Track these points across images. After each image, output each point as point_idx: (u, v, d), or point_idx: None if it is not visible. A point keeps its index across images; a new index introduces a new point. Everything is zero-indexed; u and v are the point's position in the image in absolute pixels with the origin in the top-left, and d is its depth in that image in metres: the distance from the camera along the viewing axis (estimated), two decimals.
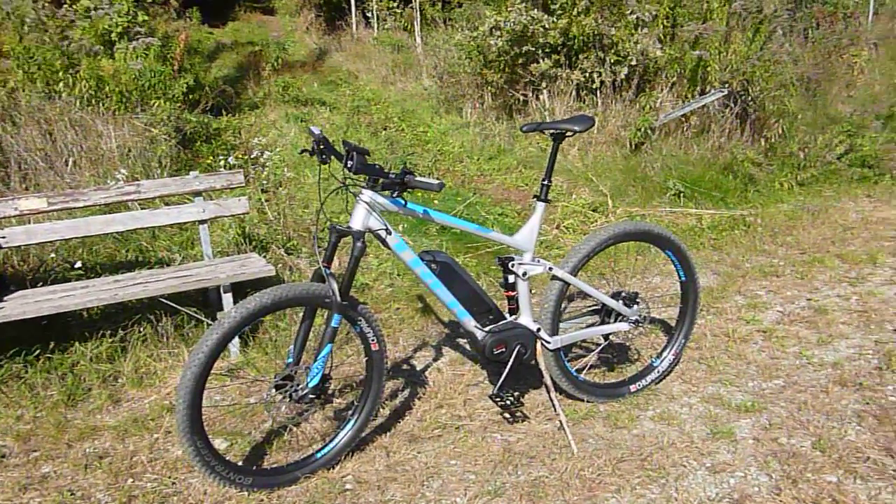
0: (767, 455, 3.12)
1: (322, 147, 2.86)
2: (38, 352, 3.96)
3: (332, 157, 2.88)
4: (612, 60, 8.32)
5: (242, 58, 12.32)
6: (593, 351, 3.84)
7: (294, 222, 5.90)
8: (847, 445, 3.15)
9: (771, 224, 6.53)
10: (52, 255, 4.80)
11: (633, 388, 3.67)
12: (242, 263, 4.39)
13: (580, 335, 3.59)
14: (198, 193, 4.52)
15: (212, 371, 2.73)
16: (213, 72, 10.98)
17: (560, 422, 3.34)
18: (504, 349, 3.29)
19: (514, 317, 3.39)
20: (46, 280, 4.50)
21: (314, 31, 15.58)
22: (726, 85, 8.26)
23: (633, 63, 8.23)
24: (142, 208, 4.98)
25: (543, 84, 8.70)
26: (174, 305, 4.19)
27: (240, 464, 3.13)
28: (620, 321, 3.61)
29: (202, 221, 4.54)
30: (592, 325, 3.64)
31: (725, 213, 6.77)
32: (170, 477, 3.10)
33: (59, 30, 7.27)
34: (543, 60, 8.53)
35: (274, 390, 2.96)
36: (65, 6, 7.69)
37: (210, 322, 4.27)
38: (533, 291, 3.57)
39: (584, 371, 3.70)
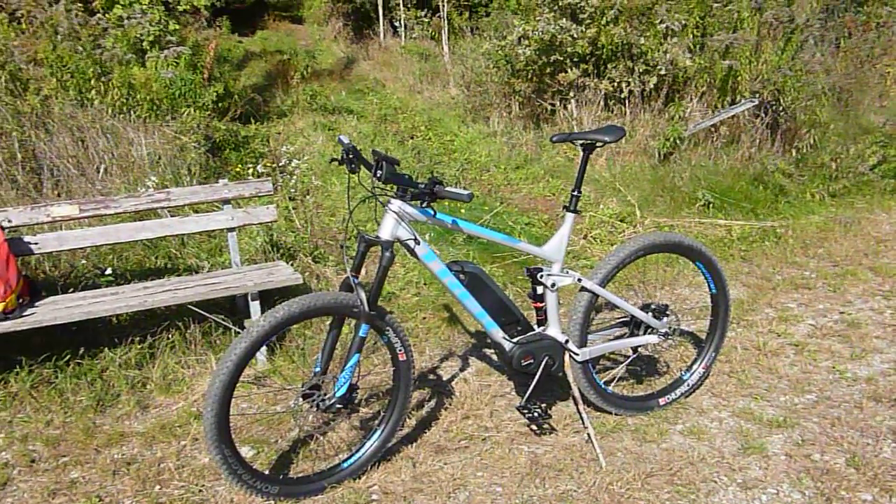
0: (800, 472, 3.07)
1: (351, 156, 2.87)
2: (67, 357, 3.99)
3: (361, 167, 2.88)
4: (640, 70, 8.27)
5: (271, 66, 12.41)
6: (622, 363, 3.80)
7: (321, 230, 5.92)
8: (882, 463, 3.09)
9: (802, 236, 6.44)
10: (83, 261, 4.85)
11: (661, 401, 3.63)
12: (270, 271, 4.41)
13: (609, 347, 3.56)
14: (226, 201, 4.55)
15: (239, 379, 2.73)
16: (242, 80, 11.07)
17: (588, 434, 3.31)
18: (532, 361, 3.26)
19: (542, 328, 3.37)
20: (77, 286, 4.55)
21: (342, 39, 15.67)
22: (757, 95, 8.17)
23: (663, 72, 8.17)
24: (171, 216, 5.02)
25: (571, 93, 8.67)
26: (202, 312, 4.21)
27: (266, 472, 3.12)
28: (650, 333, 3.57)
29: (231, 229, 4.57)
30: (621, 336, 3.61)
31: (755, 225, 6.68)
32: (196, 484, 3.11)
33: (92, 38, 7.36)
34: (572, 70, 8.51)
35: (301, 399, 2.96)
36: (97, 15, 7.80)
37: (238, 329, 4.28)
38: (561, 302, 3.54)
39: (613, 383, 3.66)
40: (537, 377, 3.29)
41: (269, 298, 4.38)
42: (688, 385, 3.71)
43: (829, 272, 5.56)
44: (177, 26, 8.33)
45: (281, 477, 3.10)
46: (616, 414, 3.54)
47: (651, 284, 5.20)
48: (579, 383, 3.39)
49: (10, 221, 4.03)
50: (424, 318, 4.83)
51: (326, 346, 2.96)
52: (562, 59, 8.56)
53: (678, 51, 8.14)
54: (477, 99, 10.26)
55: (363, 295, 2.86)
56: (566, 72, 8.53)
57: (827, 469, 3.07)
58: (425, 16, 14.71)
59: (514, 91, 9.36)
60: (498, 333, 3.24)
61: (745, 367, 4.05)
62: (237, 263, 4.62)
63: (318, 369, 2.96)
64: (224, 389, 2.68)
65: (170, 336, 4.24)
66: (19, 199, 5.36)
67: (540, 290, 3.32)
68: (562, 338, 3.32)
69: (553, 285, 3.29)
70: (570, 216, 3.32)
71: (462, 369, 4.16)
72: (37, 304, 4.00)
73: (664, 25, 8.20)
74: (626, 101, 8.44)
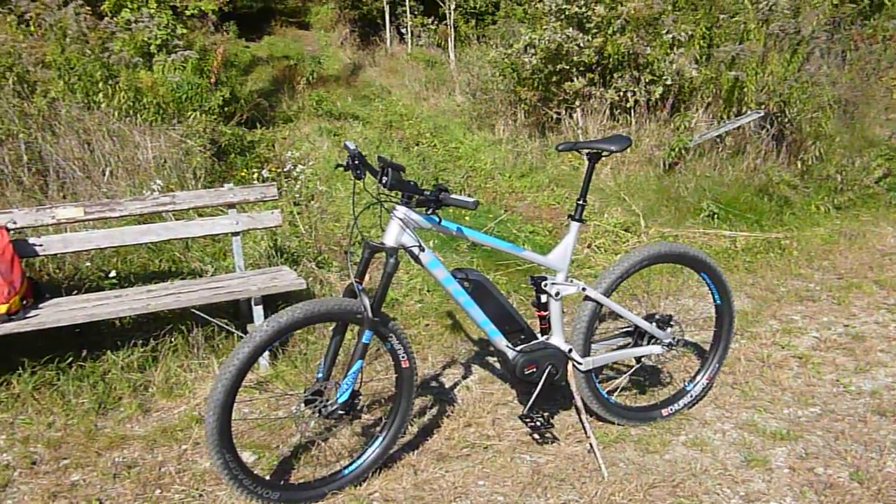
0: (803, 485, 3.05)
1: (357, 162, 2.86)
2: (70, 359, 3.99)
3: (367, 173, 2.88)
4: (646, 80, 8.27)
5: (277, 71, 12.44)
6: (625, 373, 3.79)
7: (325, 236, 5.92)
8: (886, 477, 3.07)
9: (807, 248, 6.43)
10: (87, 263, 4.85)
11: (664, 412, 3.62)
12: (274, 276, 4.40)
13: (612, 357, 3.55)
14: (231, 205, 4.55)
15: (242, 384, 2.73)
16: (248, 85, 11.09)
17: (590, 444, 3.29)
18: (535, 369, 3.26)
19: (545, 337, 3.36)
20: (81, 288, 4.55)
21: (348, 46, 15.70)
22: (763, 106, 8.16)
23: (668, 83, 8.18)
24: (176, 219, 5.02)
25: (577, 102, 8.67)
26: (205, 316, 4.21)
27: (267, 478, 3.12)
28: (653, 344, 3.56)
29: (235, 233, 4.57)
30: (625, 346, 3.59)
31: (760, 236, 6.67)
32: (197, 489, 3.10)
33: (100, 42, 7.38)
34: (578, 79, 8.51)
35: (303, 405, 2.96)
36: (106, 18, 7.83)
37: (241, 334, 4.28)
38: (564, 311, 3.53)
39: (616, 393, 3.65)
40: (540, 386, 3.28)
41: (272, 303, 4.37)
42: (691, 396, 3.70)
43: (834, 285, 5.54)
44: (184, 30, 8.36)
45: (282, 482, 3.10)
46: (619, 424, 3.52)
47: (655, 294, 5.19)
48: (582, 393, 3.38)
49: (15, 223, 4.03)
50: (427, 325, 4.83)
51: (329, 352, 2.96)
52: (568, 67, 8.56)
53: (684, 61, 8.15)
54: (483, 107, 10.27)
55: (367, 301, 2.85)
56: (572, 81, 8.53)
57: (830, 483, 3.06)
58: (432, 23, 14.74)
59: (520, 99, 9.36)
60: (501, 342, 3.23)
61: (749, 379, 4.03)
62: (241, 268, 4.62)
63: (320, 375, 2.95)
64: (226, 394, 2.67)
65: (172, 340, 4.24)
66: (25, 200, 5.37)
67: (544, 298, 3.31)
68: (565, 347, 3.31)
69: (557, 294, 3.28)
70: (575, 225, 3.31)
71: (465, 377, 4.16)
72: (40, 305, 4.00)
73: (670, 36, 8.21)
74: (632, 111, 8.43)
